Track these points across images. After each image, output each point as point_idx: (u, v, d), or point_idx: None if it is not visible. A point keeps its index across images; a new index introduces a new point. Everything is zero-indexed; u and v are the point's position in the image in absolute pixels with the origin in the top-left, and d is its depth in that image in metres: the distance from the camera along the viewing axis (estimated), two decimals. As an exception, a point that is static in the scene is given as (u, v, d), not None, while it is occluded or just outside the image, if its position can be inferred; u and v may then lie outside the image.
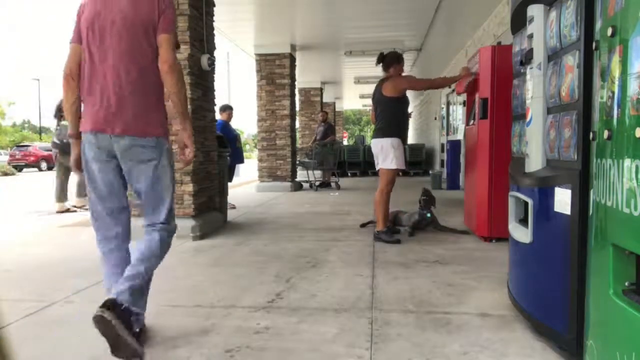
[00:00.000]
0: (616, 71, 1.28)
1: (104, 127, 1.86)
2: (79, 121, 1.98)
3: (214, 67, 4.92)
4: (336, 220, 5.34)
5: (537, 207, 2.03)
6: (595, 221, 1.47)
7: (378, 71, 4.31)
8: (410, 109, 4.64)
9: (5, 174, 19.27)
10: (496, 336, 2.06)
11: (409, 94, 4.47)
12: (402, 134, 4.17)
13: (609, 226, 1.35)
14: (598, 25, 1.48)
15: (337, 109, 20.26)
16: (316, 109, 13.32)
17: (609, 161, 1.33)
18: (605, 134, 1.33)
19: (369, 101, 4.53)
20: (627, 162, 1.22)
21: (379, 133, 4.18)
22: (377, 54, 4.31)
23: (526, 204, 2.15)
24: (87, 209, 6.59)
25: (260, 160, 9.37)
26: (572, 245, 1.75)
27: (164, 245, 2.01)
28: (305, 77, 12.38)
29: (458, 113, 9.80)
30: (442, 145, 11.53)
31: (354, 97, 17.87)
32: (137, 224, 2.13)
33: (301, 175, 10.01)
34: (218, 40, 5.41)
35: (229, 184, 5.98)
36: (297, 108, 11.79)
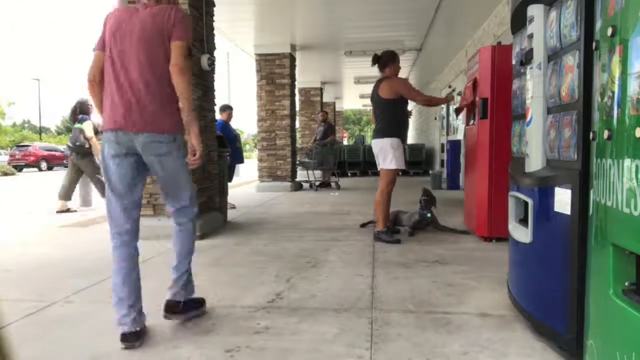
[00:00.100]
0: (616, 71, 1.28)
1: (124, 126, 2.04)
2: None
3: (214, 67, 4.93)
4: (336, 220, 5.35)
5: (537, 207, 2.03)
6: (595, 221, 1.47)
7: (378, 71, 4.31)
8: (409, 108, 4.61)
9: (5, 174, 19.27)
10: (496, 336, 2.06)
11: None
12: (401, 134, 4.16)
13: (609, 226, 1.35)
14: (598, 25, 1.48)
15: (337, 109, 20.26)
16: (316, 109, 13.32)
17: (609, 161, 1.33)
18: (605, 134, 1.33)
19: (369, 101, 4.52)
20: (627, 162, 1.22)
21: (378, 133, 4.18)
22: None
23: (526, 204, 2.15)
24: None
25: (260, 160, 9.37)
26: (572, 245, 1.75)
27: (193, 233, 2.32)
28: (305, 77, 12.38)
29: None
30: (442, 145, 11.53)
31: (354, 97, 17.87)
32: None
33: (301, 175, 10.01)
34: (218, 40, 5.42)
35: (229, 184, 5.98)
36: (297, 108, 11.79)
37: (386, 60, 4.18)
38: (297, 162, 9.93)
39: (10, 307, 2.51)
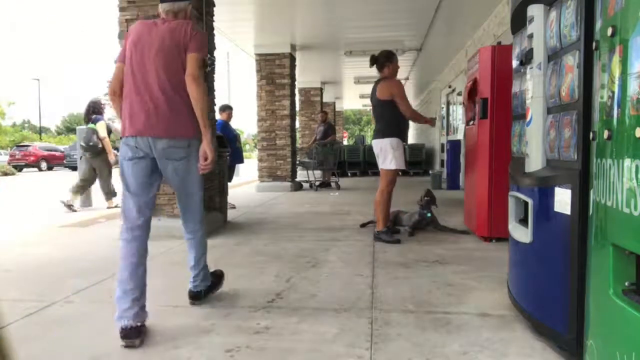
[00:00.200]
0: (616, 71, 1.28)
1: (143, 131, 2.18)
2: None
3: (214, 67, 4.93)
4: (336, 220, 5.35)
5: (537, 207, 2.03)
6: (595, 221, 1.47)
7: (377, 71, 4.30)
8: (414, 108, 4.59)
9: (5, 174, 19.26)
10: (496, 336, 2.06)
11: (409, 93, 4.44)
12: (401, 134, 4.15)
13: (609, 226, 1.35)
14: (598, 25, 1.48)
15: (337, 109, 20.26)
16: (316, 108, 13.32)
17: (609, 161, 1.33)
18: (605, 133, 1.33)
19: (369, 101, 4.51)
20: (627, 162, 1.23)
21: (378, 134, 4.17)
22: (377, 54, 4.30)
23: (526, 204, 2.15)
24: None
25: (260, 160, 9.37)
26: (572, 245, 1.75)
27: (204, 235, 2.57)
28: (305, 77, 12.38)
29: (458, 113, 9.81)
30: (442, 145, 11.54)
31: (354, 97, 17.87)
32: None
33: (301, 175, 10.01)
34: (218, 40, 5.42)
35: (229, 183, 5.98)
36: (297, 108, 11.79)
37: (383, 61, 4.17)
38: (297, 162, 9.93)
39: (10, 307, 2.50)
